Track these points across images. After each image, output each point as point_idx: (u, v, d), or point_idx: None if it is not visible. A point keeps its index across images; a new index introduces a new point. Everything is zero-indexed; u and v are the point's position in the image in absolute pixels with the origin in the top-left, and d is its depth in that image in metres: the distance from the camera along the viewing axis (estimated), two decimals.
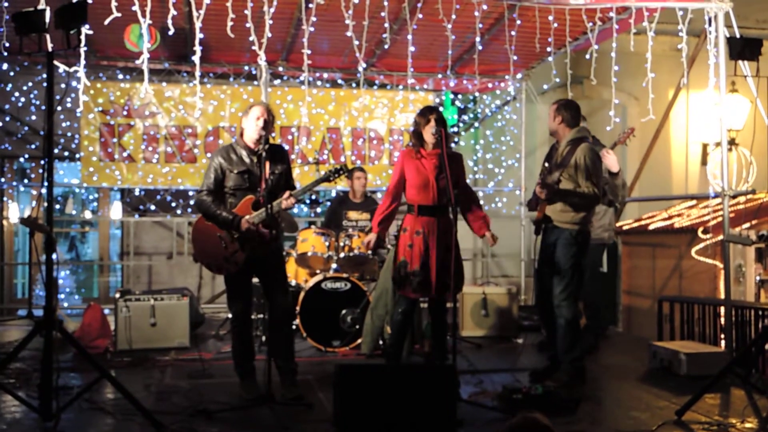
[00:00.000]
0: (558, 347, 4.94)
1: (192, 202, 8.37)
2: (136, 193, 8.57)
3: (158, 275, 9.15)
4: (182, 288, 6.86)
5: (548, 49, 7.23)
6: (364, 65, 6.76)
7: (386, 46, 5.94)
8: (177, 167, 8.36)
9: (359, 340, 5.97)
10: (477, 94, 9.18)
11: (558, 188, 4.82)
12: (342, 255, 6.28)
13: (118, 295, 6.16)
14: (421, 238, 4.76)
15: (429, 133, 4.75)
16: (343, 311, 6.06)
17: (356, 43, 5.50)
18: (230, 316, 4.69)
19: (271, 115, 4.57)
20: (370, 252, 6.25)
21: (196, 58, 5.29)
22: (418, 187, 4.80)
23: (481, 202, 5.06)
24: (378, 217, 4.95)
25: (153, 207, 8.61)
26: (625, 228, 7.55)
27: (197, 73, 5.35)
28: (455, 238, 4.66)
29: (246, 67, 8.20)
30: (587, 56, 6.07)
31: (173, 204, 8.61)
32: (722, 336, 5.70)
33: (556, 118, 4.98)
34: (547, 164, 5.00)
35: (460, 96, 9.37)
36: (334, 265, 6.29)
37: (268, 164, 4.47)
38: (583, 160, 4.80)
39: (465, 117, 9.52)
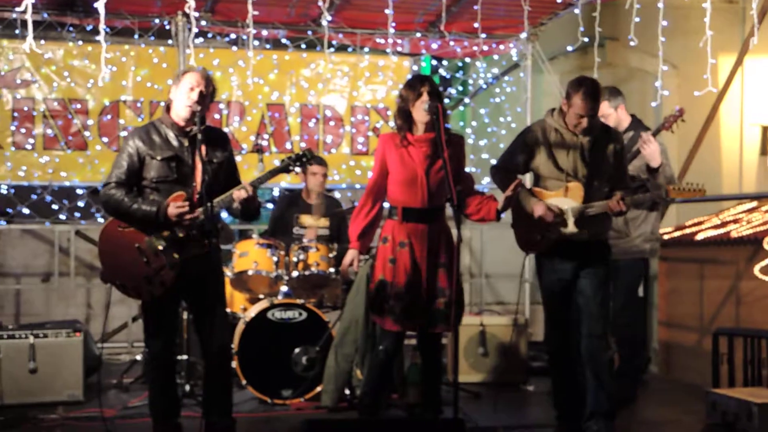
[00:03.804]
0: (590, 400, 5.00)
1: (81, 203, 8.27)
2: (2, 191, 8.43)
3: (29, 304, 8.97)
4: (72, 321, 6.79)
5: None
6: (330, 17, 6.78)
7: None
8: (60, 156, 8.24)
9: (318, 389, 6.00)
10: (468, 59, 9.22)
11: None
12: (295, 274, 6.30)
13: None
14: (407, 250, 4.83)
15: (420, 111, 4.81)
16: (297, 350, 6.08)
17: None
18: (147, 355, 4.71)
19: (210, 87, 4.67)
20: (332, 270, 6.27)
21: (99, 5, 5.23)
22: (402, 184, 4.88)
23: None
24: (357, 225, 4.96)
25: (25, 210, 8.45)
26: (662, 238, 7.67)
27: (102, 27, 5.29)
28: (457, 251, 4.63)
29: (156, 21, 8.13)
30: (626, 6, 6.16)
31: (54, 207, 8.47)
32: None
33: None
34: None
35: (445, 62, 9.41)
36: (284, 288, 6.33)
37: (204, 149, 4.51)
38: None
39: (452, 90, 9.56)
